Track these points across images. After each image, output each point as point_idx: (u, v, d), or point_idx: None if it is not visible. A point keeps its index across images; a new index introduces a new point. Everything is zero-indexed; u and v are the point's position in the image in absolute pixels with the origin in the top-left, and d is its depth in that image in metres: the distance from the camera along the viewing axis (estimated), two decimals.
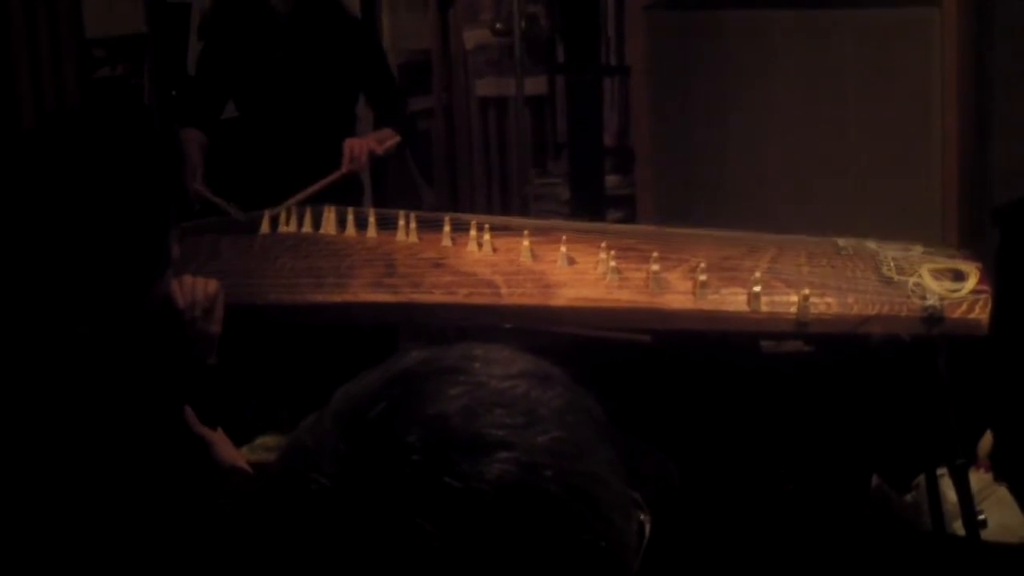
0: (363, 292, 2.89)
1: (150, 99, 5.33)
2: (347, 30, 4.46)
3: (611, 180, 5.44)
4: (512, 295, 2.81)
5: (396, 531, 0.93)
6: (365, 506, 0.95)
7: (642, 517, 1.06)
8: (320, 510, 0.96)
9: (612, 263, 2.81)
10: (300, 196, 3.68)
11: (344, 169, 4.10)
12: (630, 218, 5.01)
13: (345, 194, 3.85)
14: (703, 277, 2.73)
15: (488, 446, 0.96)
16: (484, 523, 0.94)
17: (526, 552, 0.95)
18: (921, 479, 3.19)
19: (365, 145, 4.20)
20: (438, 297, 2.84)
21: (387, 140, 4.34)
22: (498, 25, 5.91)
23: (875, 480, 3.43)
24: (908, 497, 3.41)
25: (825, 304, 2.68)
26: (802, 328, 2.70)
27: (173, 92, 5.33)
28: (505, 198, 6.03)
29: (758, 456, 3.30)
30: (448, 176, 6.19)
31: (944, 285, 2.71)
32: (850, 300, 2.69)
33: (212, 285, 2.39)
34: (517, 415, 0.99)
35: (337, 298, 2.89)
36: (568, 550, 0.97)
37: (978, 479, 3.30)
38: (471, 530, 0.93)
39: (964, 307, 2.66)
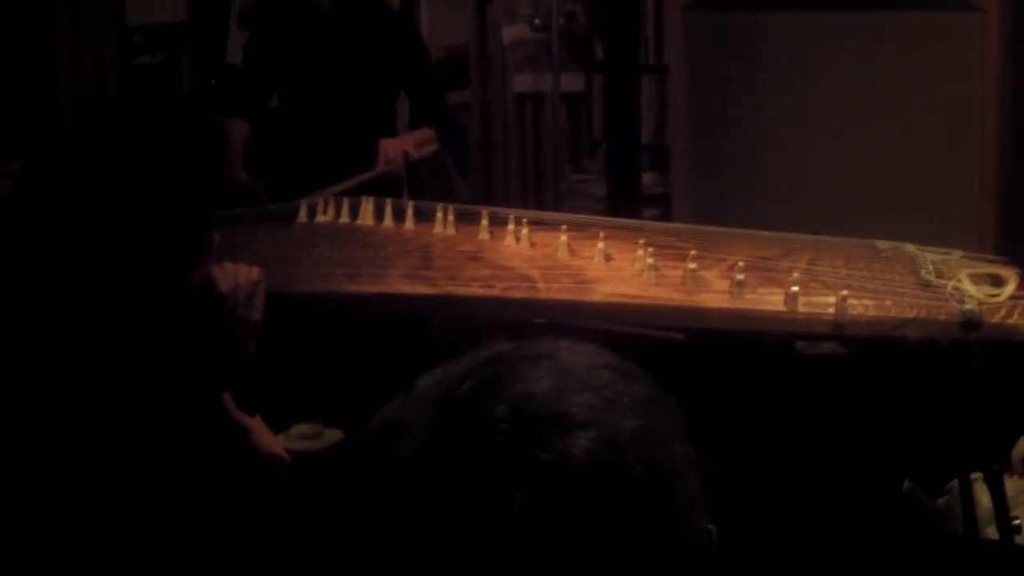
0: (399, 283, 2.89)
1: (190, 87, 5.35)
2: (389, 26, 4.48)
3: (647, 178, 5.44)
4: (549, 290, 2.81)
5: (483, 501, 0.95)
6: (454, 475, 0.96)
7: (710, 527, 1.07)
8: (409, 477, 0.98)
9: (649, 260, 2.81)
10: (333, 190, 3.69)
11: (379, 170, 4.13)
12: (665, 216, 5.01)
13: (383, 186, 3.87)
14: (740, 276, 2.73)
15: (575, 424, 0.98)
16: (570, 496, 0.95)
17: (607, 531, 0.96)
18: (954, 483, 3.18)
19: (400, 147, 4.23)
20: (475, 290, 2.84)
21: (425, 145, 4.36)
22: (536, 21, 5.92)
23: (907, 483, 3.42)
24: (940, 501, 3.40)
25: (863, 306, 2.68)
26: (839, 330, 2.69)
27: (212, 81, 5.36)
28: (540, 193, 6.04)
29: (790, 457, 3.30)
30: (483, 170, 6.21)
31: (983, 290, 2.70)
32: (888, 303, 2.68)
33: (254, 272, 2.40)
34: (602, 399, 1.01)
35: (373, 289, 2.89)
36: (646, 536, 0.98)
37: (1012, 484, 3.28)
38: (557, 501, 0.95)
39: (1003, 312, 2.65)
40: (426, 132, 4.42)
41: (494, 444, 0.96)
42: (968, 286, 2.71)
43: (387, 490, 0.99)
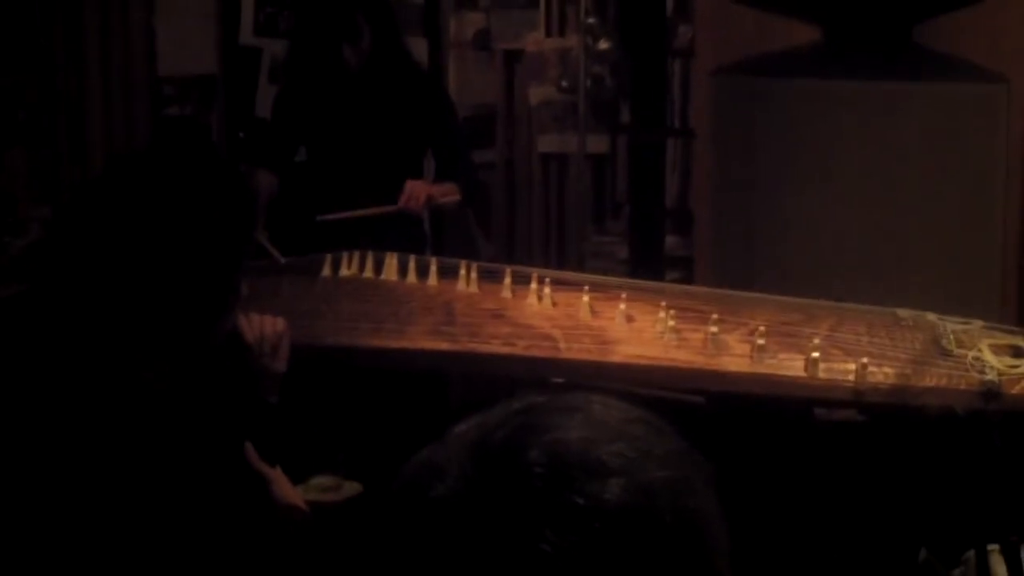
0: (421, 339, 2.91)
1: (218, 138, 5.39)
2: (418, 85, 4.51)
3: (669, 241, 5.46)
4: (570, 349, 2.83)
5: (516, 541, 0.96)
6: (488, 515, 0.98)
7: None
8: (444, 517, 1.00)
9: (671, 322, 2.82)
10: (350, 214, 3.78)
11: (400, 204, 4.16)
12: (688, 279, 5.02)
13: (407, 243, 3.89)
14: (761, 341, 2.74)
15: (607, 471, 1.00)
16: (602, 539, 0.97)
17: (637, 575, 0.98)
18: (971, 554, 3.17)
19: (424, 188, 4.26)
20: (496, 348, 2.86)
21: (448, 194, 4.38)
22: (563, 83, 5.95)
23: (923, 553, 3.41)
24: (956, 572, 3.38)
25: (883, 374, 2.68)
26: (858, 397, 2.69)
27: (240, 133, 5.40)
28: (562, 254, 6.05)
29: (805, 524, 3.29)
30: (506, 229, 6.23)
31: (1004, 360, 2.71)
32: (908, 371, 2.69)
33: (280, 323, 2.42)
34: (634, 450, 1.03)
35: (395, 344, 2.90)
36: None
37: None
38: (589, 544, 0.97)
39: (1023, 383, 2.66)
40: (449, 185, 4.44)
41: (528, 487, 0.98)
42: (989, 356, 2.71)
43: (421, 529, 1.01)
